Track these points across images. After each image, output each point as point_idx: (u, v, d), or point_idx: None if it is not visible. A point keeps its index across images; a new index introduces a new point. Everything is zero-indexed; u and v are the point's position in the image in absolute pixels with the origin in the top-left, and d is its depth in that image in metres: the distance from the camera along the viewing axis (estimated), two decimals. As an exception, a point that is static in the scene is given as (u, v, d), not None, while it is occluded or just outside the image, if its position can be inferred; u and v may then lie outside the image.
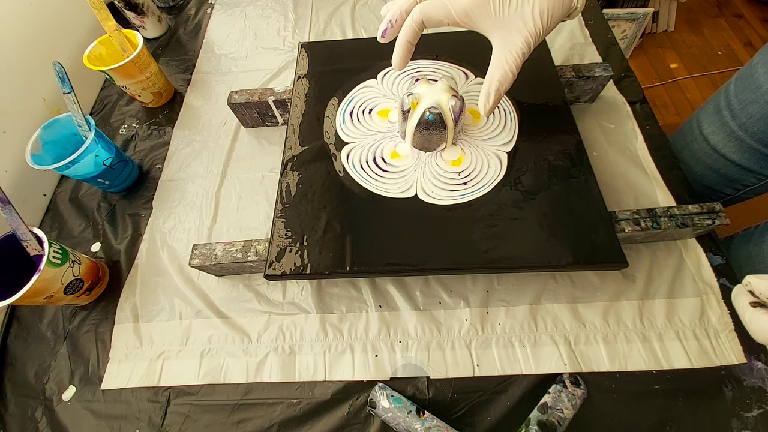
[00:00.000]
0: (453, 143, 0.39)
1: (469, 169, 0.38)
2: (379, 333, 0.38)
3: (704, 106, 0.51)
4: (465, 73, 0.45)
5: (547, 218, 0.35)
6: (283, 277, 0.34)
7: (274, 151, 0.50)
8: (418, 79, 0.38)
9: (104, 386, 0.38)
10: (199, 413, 0.36)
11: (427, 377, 0.36)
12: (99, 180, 0.46)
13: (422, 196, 0.37)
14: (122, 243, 0.46)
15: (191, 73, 0.60)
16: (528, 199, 0.36)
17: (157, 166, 0.51)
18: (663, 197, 0.42)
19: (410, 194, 0.37)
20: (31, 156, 0.41)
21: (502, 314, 0.38)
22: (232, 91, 0.48)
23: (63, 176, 0.52)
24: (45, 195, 0.51)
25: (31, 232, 0.36)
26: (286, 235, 0.36)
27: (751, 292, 0.27)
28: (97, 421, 0.37)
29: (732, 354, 0.35)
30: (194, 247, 0.38)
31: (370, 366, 0.37)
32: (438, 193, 0.37)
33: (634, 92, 0.50)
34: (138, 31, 0.54)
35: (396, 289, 0.40)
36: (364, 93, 0.44)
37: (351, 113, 0.43)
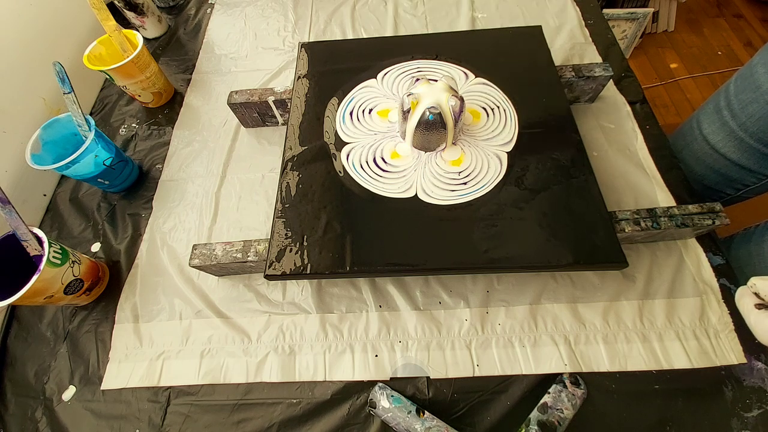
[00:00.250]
0: (453, 143, 0.39)
1: (469, 169, 0.38)
2: (379, 333, 0.38)
3: (704, 106, 0.51)
4: (465, 73, 0.45)
5: (547, 218, 0.35)
6: (283, 277, 0.34)
7: (274, 151, 0.50)
8: (418, 79, 0.38)
9: (104, 386, 0.38)
10: (199, 413, 0.36)
11: (427, 377, 0.36)
12: (99, 180, 0.46)
13: (422, 196, 0.37)
14: (122, 243, 0.46)
15: (191, 73, 0.60)
16: (528, 199, 0.36)
17: (157, 166, 0.51)
18: (663, 197, 0.42)
19: (410, 194, 0.37)
20: (31, 156, 0.41)
21: (502, 314, 0.38)
22: (232, 91, 0.48)
23: (63, 176, 0.52)
24: (45, 195, 0.51)
25: (31, 232, 0.36)
26: (286, 235, 0.36)
27: (756, 294, 0.27)
28: (97, 421, 0.37)
29: (732, 354, 0.35)
30: (194, 247, 0.38)
31: (370, 366, 0.37)
32: (438, 193, 0.37)
33: (634, 92, 0.50)
34: (138, 31, 0.54)
35: (396, 289, 0.40)
36: (364, 93, 0.44)
37: (351, 113, 0.43)
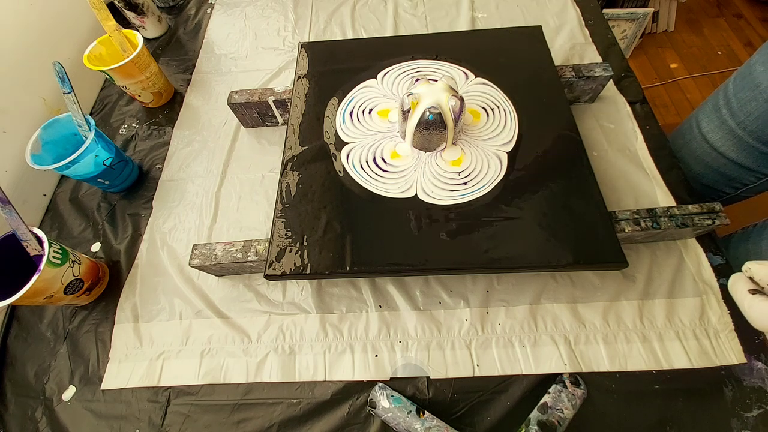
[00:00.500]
0: (453, 143, 0.39)
1: (469, 169, 0.38)
2: (379, 333, 0.38)
3: (703, 105, 0.51)
4: (465, 73, 0.45)
5: (547, 218, 0.35)
6: (283, 277, 0.34)
7: (274, 151, 0.50)
8: (418, 79, 0.38)
9: (104, 386, 0.38)
10: (199, 413, 0.36)
11: (427, 377, 0.36)
12: (99, 180, 0.46)
13: (422, 196, 0.37)
14: (122, 243, 0.46)
15: (191, 73, 0.60)
16: (528, 199, 0.36)
17: (157, 166, 0.51)
18: (663, 197, 0.42)
19: (410, 194, 0.37)
20: (31, 156, 0.41)
21: (502, 314, 0.38)
22: (232, 91, 0.48)
23: (63, 176, 0.52)
24: (45, 195, 0.51)
25: (31, 232, 0.36)
26: (286, 235, 0.36)
27: (751, 279, 0.27)
28: (97, 421, 0.37)
29: (732, 354, 0.35)
30: (194, 247, 0.38)
31: (370, 366, 0.37)
32: (438, 193, 0.37)
33: (634, 92, 0.50)
34: (138, 31, 0.54)
35: (396, 289, 0.40)
36: (364, 93, 0.44)
37: (351, 113, 0.43)
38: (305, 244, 0.35)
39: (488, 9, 0.61)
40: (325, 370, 0.37)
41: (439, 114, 0.36)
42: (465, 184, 0.37)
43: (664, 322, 0.36)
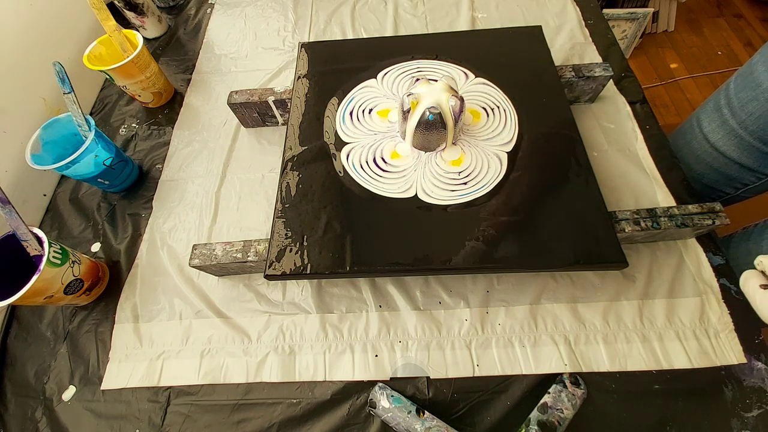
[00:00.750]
0: (453, 143, 0.39)
1: (469, 169, 0.38)
2: (379, 333, 0.38)
3: (704, 105, 0.51)
4: (465, 73, 0.45)
5: (547, 218, 0.35)
6: (283, 277, 0.34)
7: (274, 151, 0.50)
8: (418, 79, 0.38)
9: (104, 386, 0.38)
10: (199, 413, 0.36)
11: (427, 377, 0.36)
12: (99, 180, 0.46)
13: (422, 196, 0.37)
14: (122, 243, 0.46)
15: (191, 73, 0.60)
16: (528, 199, 0.36)
17: (157, 166, 0.51)
18: (663, 197, 0.42)
19: (410, 194, 0.37)
20: (31, 156, 0.41)
21: (502, 314, 0.38)
22: (232, 91, 0.48)
23: (63, 176, 0.52)
24: (45, 195, 0.51)
25: (31, 232, 0.36)
26: (286, 235, 0.36)
27: (763, 273, 0.27)
28: (97, 421, 0.37)
29: (732, 354, 0.35)
30: (194, 247, 0.38)
31: (370, 366, 0.37)
32: (438, 193, 0.37)
33: (634, 92, 0.50)
34: (138, 31, 0.54)
35: (396, 289, 0.40)
36: (364, 93, 0.44)
37: (351, 113, 0.43)
38: (305, 244, 0.35)
39: (488, 9, 0.61)
40: (325, 370, 0.37)
41: (439, 114, 0.36)
42: (465, 184, 0.37)
43: (664, 322, 0.36)
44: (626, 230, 0.35)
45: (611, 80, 0.50)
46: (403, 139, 0.40)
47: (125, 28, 0.52)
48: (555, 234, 0.34)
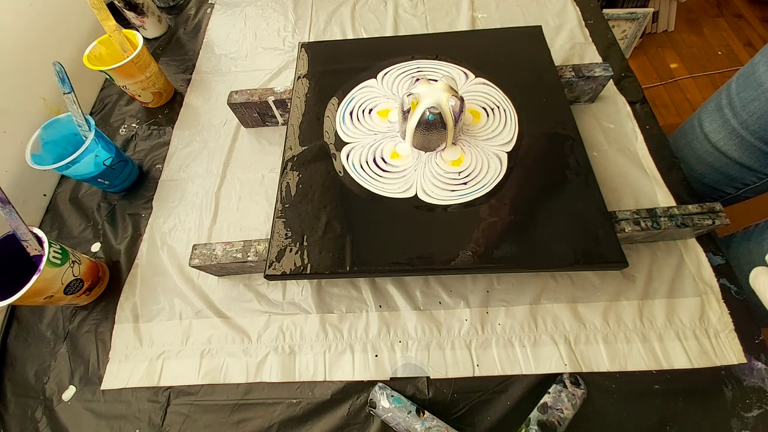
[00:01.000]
0: (453, 143, 0.39)
1: (469, 169, 0.38)
2: (379, 333, 0.38)
3: (706, 104, 0.51)
4: (465, 73, 0.45)
5: (547, 218, 0.35)
6: (283, 277, 0.34)
7: (274, 151, 0.50)
8: (418, 79, 0.38)
9: (104, 386, 0.38)
10: (199, 413, 0.36)
11: (427, 377, 0.36)
12: (99, 180, 0.46)
13: (422, 196, 0.37)
14: (122, 243, 0.46)
15: (191, 73, 0.60)
16: (528, 199, 0.36)
17: (157, 166, 0.51)
18: (663, 197, 0.42)
19: (410, 194, 0.37)
20: (31, 156, 0.41)
21: (502, 314, 0.38)
22: (232, 91, 0.48)
23: (63, 176, 0.52)
24: (45, 195, 0.51)
25: (31, 232, 0.36)
26: (286, 235, 0.36)
27: None
28: (97, 421, 0.37)
29: (732, 354, 0.35)
30: (194, 247, 0.38)
31: (370, 366, 0.37)
32: (438, 193, 0.37)
33: (634, 92, 0.50)
34: (138, 31, 0.54)
35: (396, 289, 0.40)
36: (364, 93, 0.44)
37: (351, 113, 0.43)
38: (305, 244, 0.35)
39: (488, 9, 0.61)
40: (325, 370, 0.37)
41: (439, 114, 0.36)
42: (465, 184, 0.37)
43: (664, 322, 0.36)
44: (626, 230, 0.35)
45: (611, 80, 0.50)
46: (403, 139, 0.40)
47: (125, 28, 0.52)
48: (555, 234, 0.34)
